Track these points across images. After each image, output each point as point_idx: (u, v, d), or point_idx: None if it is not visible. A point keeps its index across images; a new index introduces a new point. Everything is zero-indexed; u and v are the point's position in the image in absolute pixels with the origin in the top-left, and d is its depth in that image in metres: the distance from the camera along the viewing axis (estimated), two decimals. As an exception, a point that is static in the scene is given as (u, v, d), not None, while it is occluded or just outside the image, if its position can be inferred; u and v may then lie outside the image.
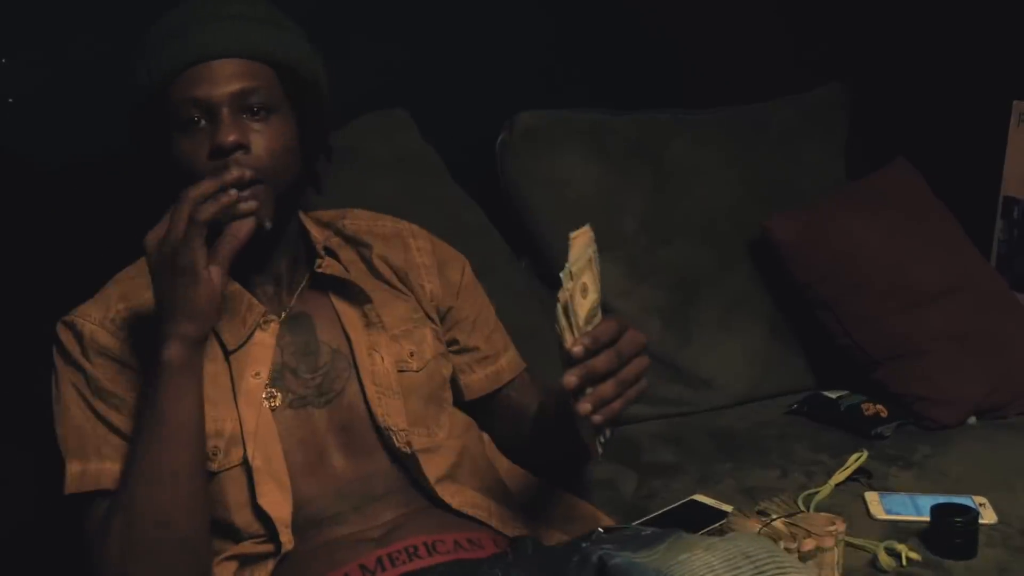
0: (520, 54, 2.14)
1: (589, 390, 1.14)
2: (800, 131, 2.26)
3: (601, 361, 1.14)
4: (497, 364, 1.53)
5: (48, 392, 1.34)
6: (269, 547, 1.29)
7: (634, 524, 1.58)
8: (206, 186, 1.20)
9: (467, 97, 2.07)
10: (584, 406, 1.13)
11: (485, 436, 1.51)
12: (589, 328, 1.16)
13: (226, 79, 1.28)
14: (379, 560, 1.26)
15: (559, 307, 1.13)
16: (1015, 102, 2.29)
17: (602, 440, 1.19)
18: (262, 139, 1.29)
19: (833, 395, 1.98)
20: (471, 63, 2.08)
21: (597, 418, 1.14)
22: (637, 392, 1.18)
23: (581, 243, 1.17)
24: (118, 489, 1.24)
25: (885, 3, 2.46)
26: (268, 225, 1.26)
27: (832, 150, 2.30)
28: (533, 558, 1.28)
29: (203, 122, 1.28)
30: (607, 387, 1.14)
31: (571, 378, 1.12)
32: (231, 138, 1.26)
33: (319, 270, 1.39)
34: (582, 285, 1.15)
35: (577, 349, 1.13)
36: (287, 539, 1.28)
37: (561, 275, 1.13)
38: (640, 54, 2.26)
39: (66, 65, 1.70)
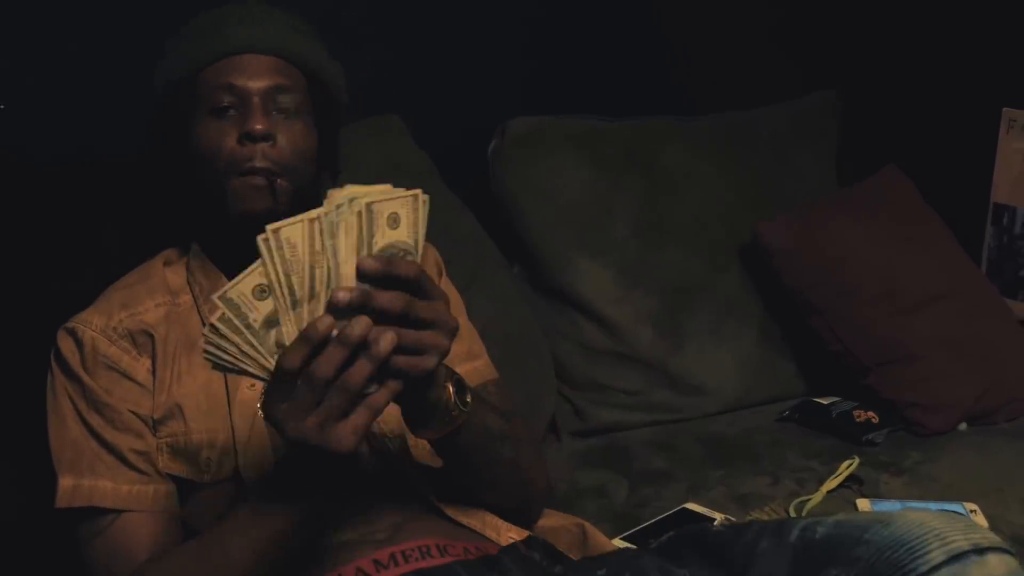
0: (513, 60, 2.14)
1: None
2: (791, 138, 2.26)
3: (386, 299, 1.02)
4: (462, 369, 1.50)
5: (40, 397, 1.34)
6: None
7: (624, 535, 1.58)
8: (339, 353, 1.01)
9: (460, 103, 2.07)
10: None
11: None
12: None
13: (263, 72, 1.32)
14: (392, 556, 1.24)
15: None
16: (1005, 109, 2.30)
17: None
18: (287, 136, 1.32)
19: (824, 402, 1.98)
20: (463, 69, 2.08)
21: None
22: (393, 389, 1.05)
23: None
24: (156, 558, 1.23)
25: (876, 11, 2.46)
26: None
27: (823, 157, 2.31)
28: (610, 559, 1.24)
29: (232, 110, 1.31)
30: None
31: (343, 295, 1.00)
32: (261, 126, 1.29)
33: None
34: (391, 216, 1.03)
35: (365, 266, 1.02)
36: None
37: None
38: (632, 60, 2.26)
39: (64, 67, 1.69)
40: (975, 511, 1.63)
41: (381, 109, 1.90)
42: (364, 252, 1.02)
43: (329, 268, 1.01)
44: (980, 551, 1.02)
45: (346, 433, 1.02)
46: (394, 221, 1.04)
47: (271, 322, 1.01)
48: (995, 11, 2.34)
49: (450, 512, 1.34)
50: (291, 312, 1.01)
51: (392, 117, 1.91)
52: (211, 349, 1.01)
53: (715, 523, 1.24)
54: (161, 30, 1.50)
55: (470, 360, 1.50)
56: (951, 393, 1.94)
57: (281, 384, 1.02)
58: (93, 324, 1.33)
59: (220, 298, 0.99)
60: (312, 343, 1.00)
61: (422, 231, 1.07)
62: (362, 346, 1.00)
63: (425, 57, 2.04)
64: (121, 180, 1.61)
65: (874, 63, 2.48)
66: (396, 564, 1.24)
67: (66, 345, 1.33)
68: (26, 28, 1.68)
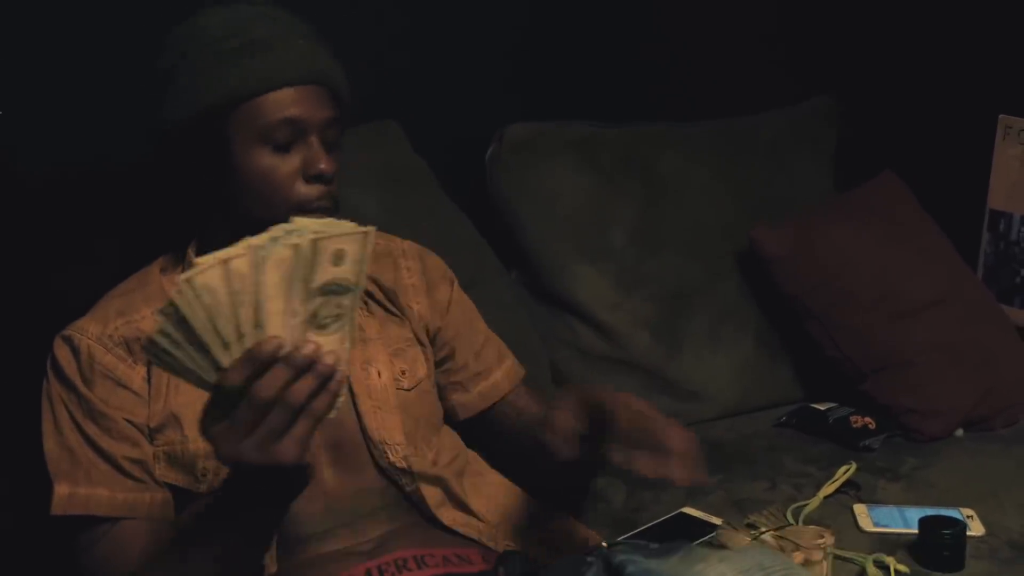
0: (510, 66, 2.14)
1: None
2: (789, 144, 2.27)
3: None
4: (491, 379, 1.52)
5: (36, 405, 1.34)
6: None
7: (622, 539, 1.58)
8: (283, 374, 1.00)
9: (457, 109, 2.07)
10: None
11: (471, 454, 1.50)
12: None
13: (319, 105, 1.29)
14: (368, 572, 1.26)
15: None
16: (1001, 116, 2.30)
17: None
18: (337, 170, 1.31)
19: (821, 407, 1.99)
20: (461, 75, 2.08)
21: None
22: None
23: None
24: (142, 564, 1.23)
25: (874, 17, 2.47)
26: None
27: (820, 163, 2.31)
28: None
29: (290, 143, 1.28)
30: None
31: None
32: (329, 168, 1.28)
33: None
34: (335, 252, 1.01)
35: None
36: (269, 561, 1.27)
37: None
38: (630, 66, 2.26)
39: (61, 72, 1.69)
40: (972, 516, 1.64)
41: (379, 115, 1.91)
42: (299, 288, 0.99)
43: (257, 304, 0.98)
44: None
45: (289, 445, 1.01)
46: (339, 258, 1.01)
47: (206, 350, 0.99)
48: (992, 18, 2.35)
49: (447, 521, 1.35)
50: (224, 351, 0.99)
51: (390, 123, 1.92)
52: (157, 347, 0.99)
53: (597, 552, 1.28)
54: (160, 33, 1.50)
55: (501, 361, 1.54)
56: (948, 399, 1.94)
57: (220, 402, 1.00)
58: (89, 332, 1.33)
59: (162, 312, 0.97)
60: (255, 364, 0.99)
61: (365, 269, 1.04)
62: (307, 366, 1.00)
63: (423, 63, 2.04)
64: (117, 187, 1.61)
65: (871, 69, 2.48)
66: None
67: (62, 353, 1.32)
68: (25, 30, 1.68)
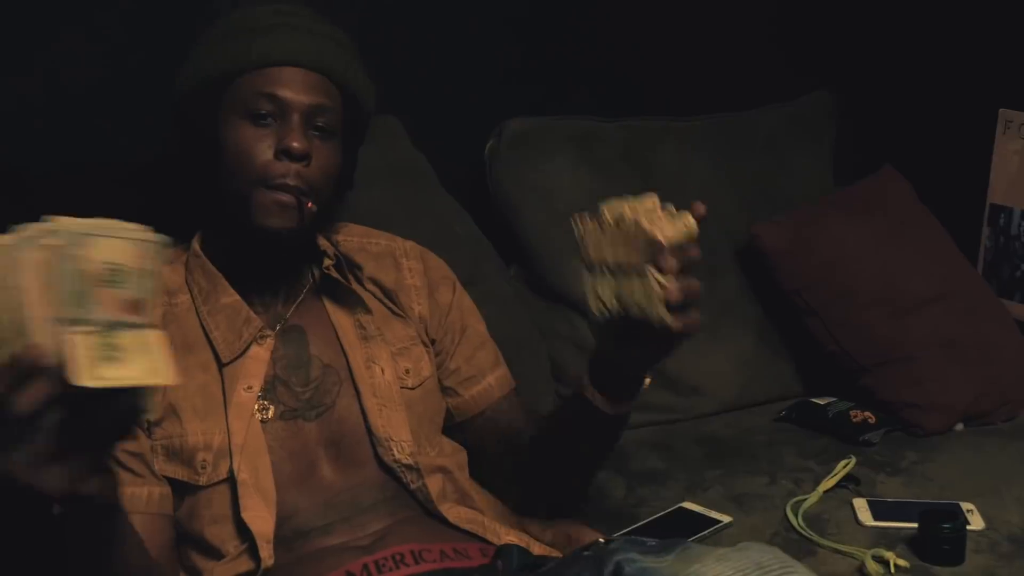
0: (509, 61, 2.14)
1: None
2: (788, 138, 2.26)
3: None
4: (483, 384, 1.50)
5: None
6: (250, 564, 1.28)
7: (619, 534, 1.58)
8: (44, 388, 0.89)
9: (456, 104, 2.07)
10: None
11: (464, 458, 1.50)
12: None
13: (307, 89, 1.31)
14: (365, 567, 1.26)
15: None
16: (1001, 110, 2.30)
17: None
18: (320, 158, 1.31)
19: (821, 402, 1.98)
20: (460, 70, 2.08)
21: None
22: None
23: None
24: None
25: (872, 11, 2.47)
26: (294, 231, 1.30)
27: (820, 157, 2.31)
28: (527, 570, 1.27)
29: (271, 119, 1.30)
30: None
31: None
32: (300, 146, 1.28)
33: (326, 271, 1.39)
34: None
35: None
36: (267, 555, 1.27)
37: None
38: (629, 61, 2.26)
39: (57, 72, 1.69)
40: (972, 511, 1.64)
41: (378, 111, 1.90)
42: (66, 292, 0.87)
43: (15, 308, 0.87)
44: None
45: (54, 475, 0.90)
46: (114, 266, 0.88)
47: None
48: (991, 12, 2.35)
49: (451, 518, 1.34)
50: None
51: (389, 119, 1.91)
52: None
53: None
54: (158, 35, 1.51)
55: (496, 368, 1.52)
56: (948, 393, 1.94)
57: None
58: None
59: None
60: (14, 372, 0.88)
61: (152, 286, 0.91)
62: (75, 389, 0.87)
63: (421, 58, 2.04)
64: (116, 184, 1.60)
65: (870, 64, 2.48)
66: (369, 574, 1.25)
67: None
68: (23, 32, 1.68)
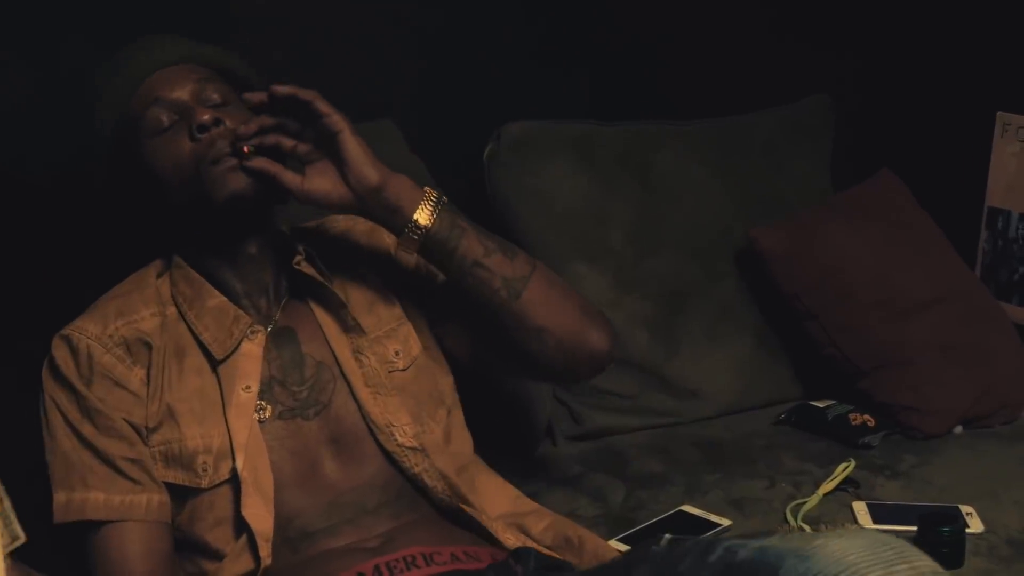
0: (507, 64, 2.14)
1: None
2: (786, 142, 2.26)
3: None
4: None
5: (33, 412, 1.33)
6: (251, 564, 1.28)
7: (616, 539, 1.58)
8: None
9: (454, 108, 2.07)
10: None
11: (475, 457, 1.48)
12: None
13: (183, 79, 1.36)
14: (377, 568, 1.25)
15: None
16: (999, 113, 2.30)
17: None
18: (231, 120, 1.34)
19: (820, 405, 1.98)
20: (458, 73, 2.08)
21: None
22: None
23: None
24: None
25: (870, 15, 2.47)
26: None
27: (818, 161, 2.31)
28: (547, 571, 1.26)
29: (171, 123, 1.34)
30: None
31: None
32: (208, 116, 1.32)
33: (296, 266, 1.39)
34: None
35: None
36: (266, 553, 1.27)
37: None
38: (628, 65, 2.26)
39: (55, 73, 1.69)
40: (971, 514, 1.63)
41: (375, 115, 1.90)
42: None
43: None
44: None
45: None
46: None
47: None
48: (989, 15, 2.35)
49: (464, 512, 1.34)
50: None
51: (386, 123, 1.92)
52: None
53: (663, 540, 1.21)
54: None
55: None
56: (946, 397, 1.94)
57: None
58: (89, 332, 1.33)
59: None
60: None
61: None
62: None
63: (419, 62, 2.04)
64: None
65: (868, 67, 2.48)
66: (380, 575, 1.25)
67: (60, 353, 1.33)
68: (22, 33, 1.68)
